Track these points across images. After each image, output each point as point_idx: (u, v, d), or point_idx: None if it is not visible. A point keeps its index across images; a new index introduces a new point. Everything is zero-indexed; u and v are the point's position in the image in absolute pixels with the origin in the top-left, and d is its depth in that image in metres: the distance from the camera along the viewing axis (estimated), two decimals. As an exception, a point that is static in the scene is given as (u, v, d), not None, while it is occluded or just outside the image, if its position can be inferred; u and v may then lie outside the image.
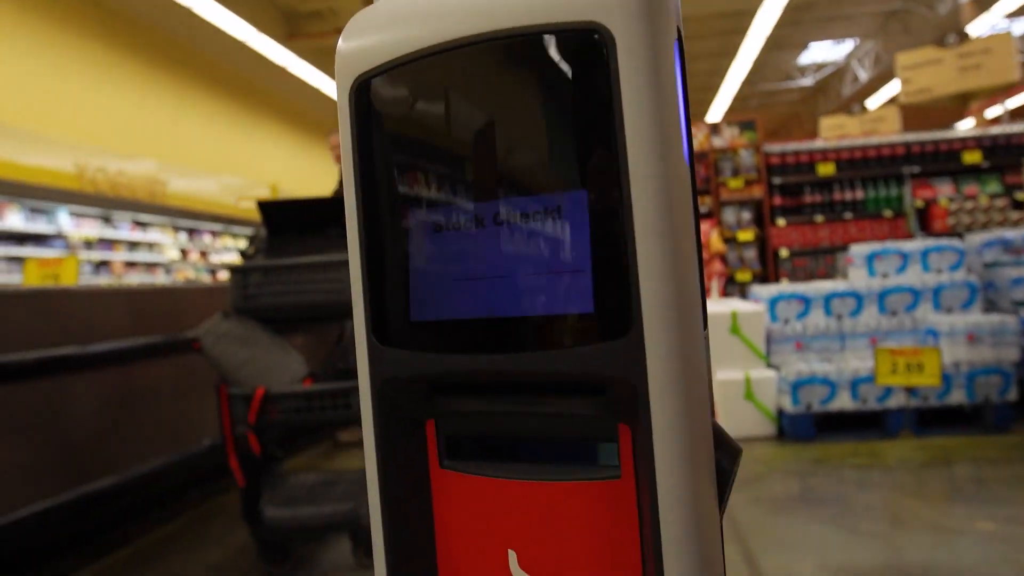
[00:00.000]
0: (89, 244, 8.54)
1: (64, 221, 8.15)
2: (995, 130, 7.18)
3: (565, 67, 0.56)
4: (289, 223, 3.06)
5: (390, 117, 0.63)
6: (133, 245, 9.41)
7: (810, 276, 7.21)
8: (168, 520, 3.76)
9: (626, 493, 0.58)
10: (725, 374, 4.87)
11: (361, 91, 0.63)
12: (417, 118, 0.62)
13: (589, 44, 0.54)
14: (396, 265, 0.62)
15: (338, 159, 5.02)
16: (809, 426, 4.71)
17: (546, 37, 0.56)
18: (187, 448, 3.99)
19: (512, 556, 0.61)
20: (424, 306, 0.61)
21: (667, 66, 0.55)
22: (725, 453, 0.58)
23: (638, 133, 0.53)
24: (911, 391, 4.57)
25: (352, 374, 3.35)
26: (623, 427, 0.58)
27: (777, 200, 7.41)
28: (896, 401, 4.64)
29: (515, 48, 0.57)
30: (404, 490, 0.64)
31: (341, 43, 0.65)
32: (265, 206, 3.05)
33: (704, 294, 0.58)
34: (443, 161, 0.61)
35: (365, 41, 0.63)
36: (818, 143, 7.51)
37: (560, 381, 0.58)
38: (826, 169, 7.25)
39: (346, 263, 2.75)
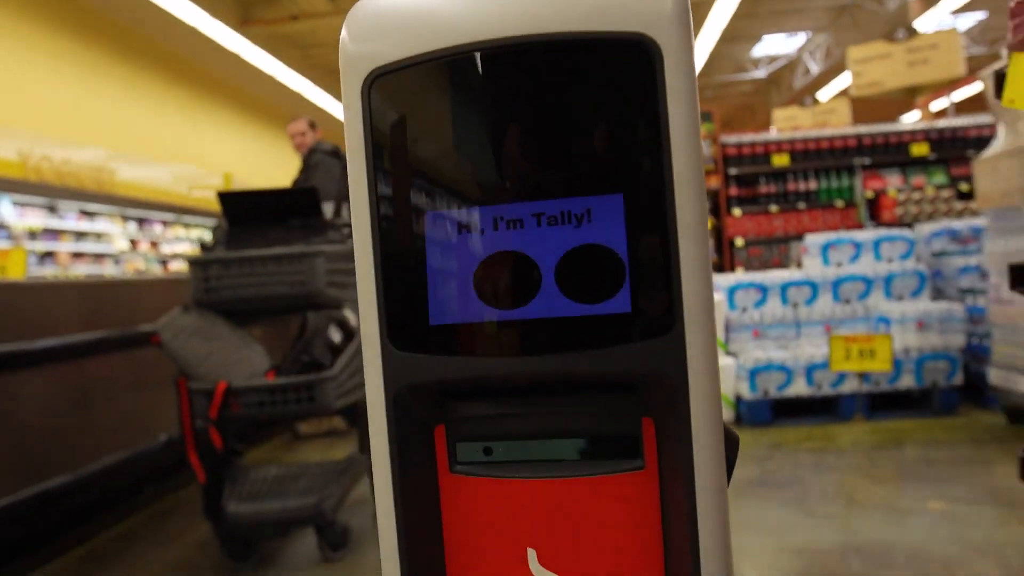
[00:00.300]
0: (33, 234, 8.24)
1: (6, 211, 7.86)
2: (942, 123, 7.40)
3: (607, 75, 0.57)
4: (250, 214, 3.00)
5: (411, 114, 0.61)
6: (80, 235, 9.11)
7: (765, 265, 7.35)
8: (124, 518, 3.68)
9: (648, 484, 0.60)
10: (685, 362, 4.94)
11: (376, 87, 0.61)
12: (441, 116, 0.61)
13: (636, 54, 0.56)
14: (413, 268, 0.61)
15: (299, 147, 4.92)
16: (766, 411, 4.82)
17: (591, 45, 0.56)
18: (143, 444, 3.90)
19: (531, 554, 0.61)
20: (445, 309, 0.60)
21: (695, 74, 0.57)
22: (729, 442, 0.60)
23: (682, 140, 0.55)
24: (863, 376, 4.70)
25: (316, 366, 3.32)
26: (647, 420, 0.60)
27: (733, 190, 7.53)
28: (849, 386, 4.78)
29: (556, 53, 0.57)
30: (416, 498, 0.64)
31: (347, 36, 0.63)
32: (225, 197, 2.98)
33: None
34: (467, 162, 0.60)
35: (381, 35, 0.61)
36: (773, 135, 7.65)
37: (589, 380, 0.58)
38: (781, 160, 7.38)
39: (308, 255, 2.70)
